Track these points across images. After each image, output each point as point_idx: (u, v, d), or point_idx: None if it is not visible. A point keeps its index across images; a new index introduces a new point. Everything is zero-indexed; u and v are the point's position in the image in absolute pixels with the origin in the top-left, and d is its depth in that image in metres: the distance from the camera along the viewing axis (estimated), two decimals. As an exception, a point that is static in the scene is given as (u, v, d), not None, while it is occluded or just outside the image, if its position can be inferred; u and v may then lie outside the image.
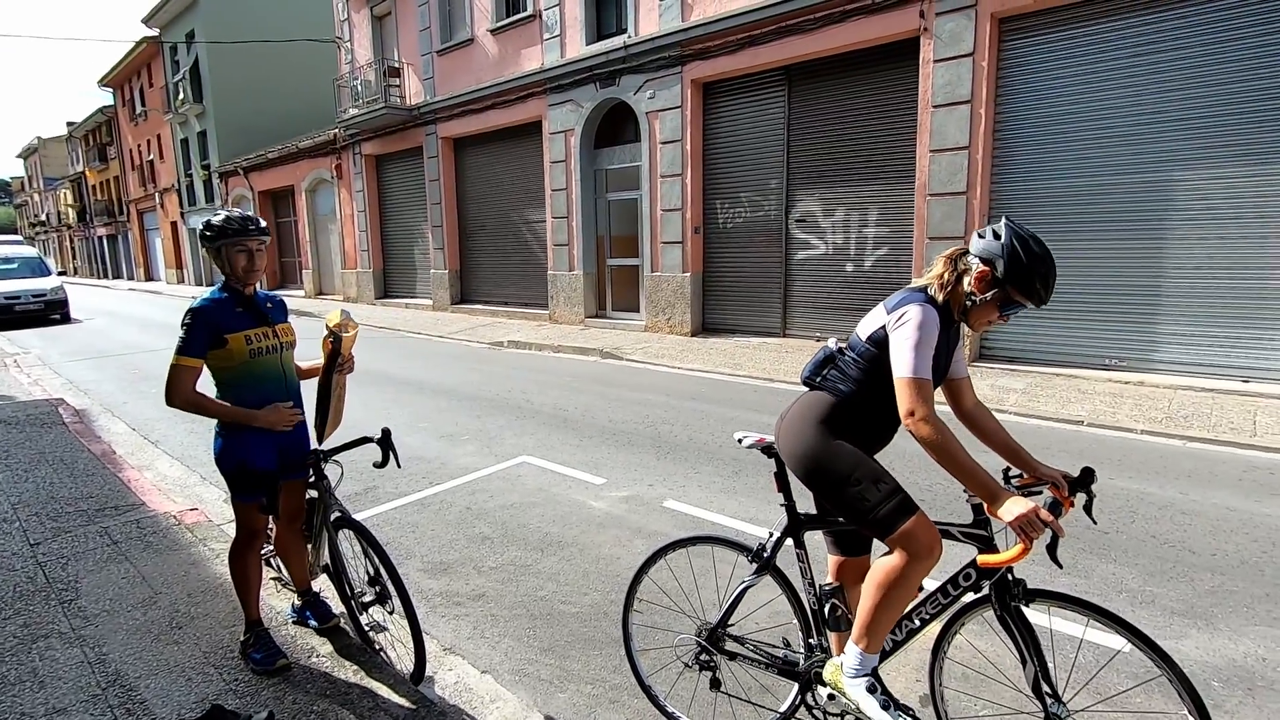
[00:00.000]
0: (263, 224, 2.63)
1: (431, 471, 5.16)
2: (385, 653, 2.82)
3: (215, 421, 2.60)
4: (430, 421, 6.58)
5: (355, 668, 2.64)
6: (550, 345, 10.93)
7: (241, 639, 2.70)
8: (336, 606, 3.00)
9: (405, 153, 16.70)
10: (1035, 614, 1.91)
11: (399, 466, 2.76)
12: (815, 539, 2.35)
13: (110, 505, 4.31)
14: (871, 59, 8.94)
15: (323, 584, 3.10)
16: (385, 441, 2.70)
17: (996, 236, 1.85)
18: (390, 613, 2.75)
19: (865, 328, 2.03)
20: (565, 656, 2.88)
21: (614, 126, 12.25)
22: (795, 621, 2.25)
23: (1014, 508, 1.70)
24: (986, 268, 1.86)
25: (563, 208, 12.87)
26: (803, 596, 2.21)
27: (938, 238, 8.21)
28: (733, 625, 2.32)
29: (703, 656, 2.33)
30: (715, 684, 2.32)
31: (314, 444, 2.81)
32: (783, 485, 2.18)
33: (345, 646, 2.79)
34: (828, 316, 9.86)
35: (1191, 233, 6.95)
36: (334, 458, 2.73)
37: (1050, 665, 1.89)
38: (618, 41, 11.35)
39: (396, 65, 16.02)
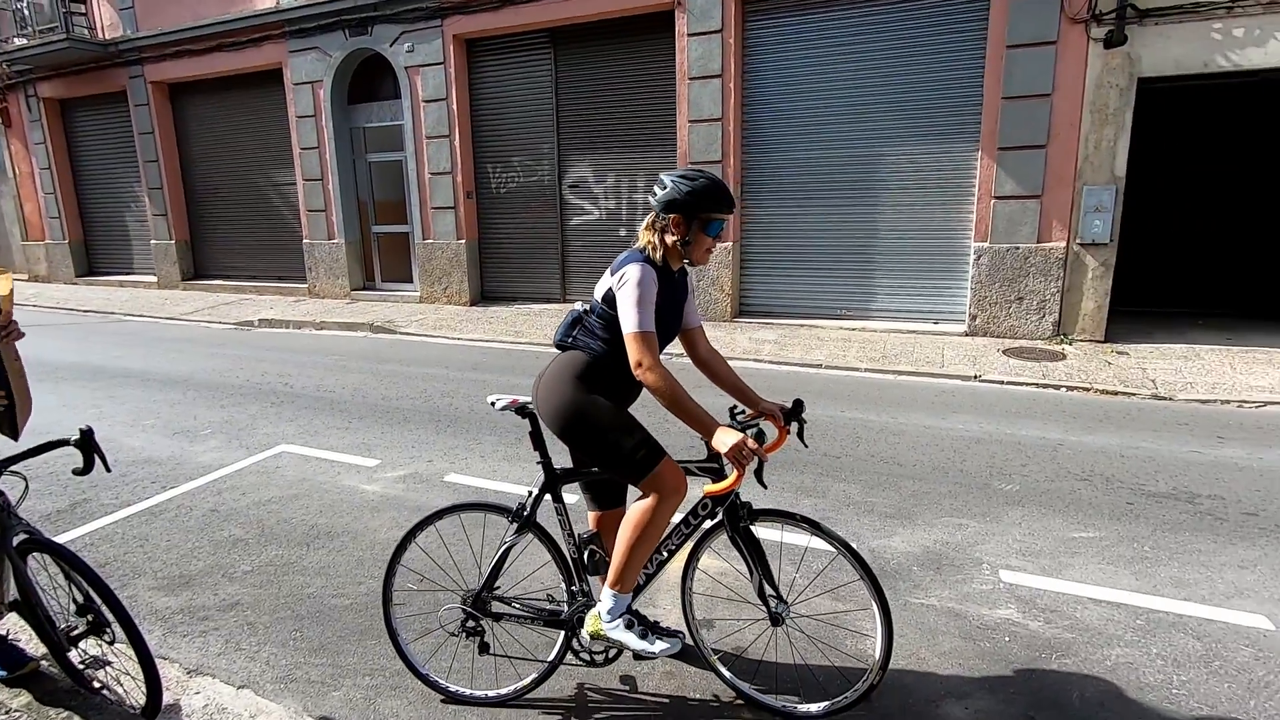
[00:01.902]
0: None
1: (164, 474, 4.43)
2: (109, 690, 2.39)
3: None
4: (160, 417, 5.63)
5: (66, 714, 2.20)
6: (311, 322, 9.91)
7: (-114, 713, 2.11)
8: (36, 648, 2.47)
9: (103, 98, 13.78)
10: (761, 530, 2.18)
11: (108, 470, 2.31)
12: (576, 500, 2.43)
13: None
14: (633, 28, 9.18)
15: (12, 624, 2.54)
16: (86, 443, 2.24)
17: (664, 187, 2.10)
18: (110, 643, 2.33)
19: (599, 290, 2.17)
20: (339, 653, 2.68)
21: (370, 81, 11.23)
22: (559, 573, 2.33)
23: (727, 439, 1.93)
24: (676, 213, 2.08)
25: (315, 169, 11.59)
26: (564, 547, 2.30)
27: (699, 204, 8.79)
28: (499, 588, 2.34)
29: (469, 623, 2.33)
30: (484, 648, 2.34)
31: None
32: (538, 444, 2.25)
33: (50, 693, 2.32)
34: (605, 281, 10.12)
35: (895, 200, 8.23)
36: (12, 468, 2.21)
37: (774, 571, 2.21)
38: (367, -15, 10.35)
39: (79, -12, 13.03)
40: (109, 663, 2.44)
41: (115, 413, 5.76)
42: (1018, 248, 7.54)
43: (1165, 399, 5.70)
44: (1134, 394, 5.81)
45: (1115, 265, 7.34)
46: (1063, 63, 7.10)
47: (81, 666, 2.39)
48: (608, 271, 2.15)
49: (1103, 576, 3.09)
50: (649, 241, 2.14)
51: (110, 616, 2.19)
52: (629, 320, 2.00)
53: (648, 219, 2.16)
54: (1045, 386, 6.10)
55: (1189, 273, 9.91)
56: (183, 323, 10.55)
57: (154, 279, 14.02)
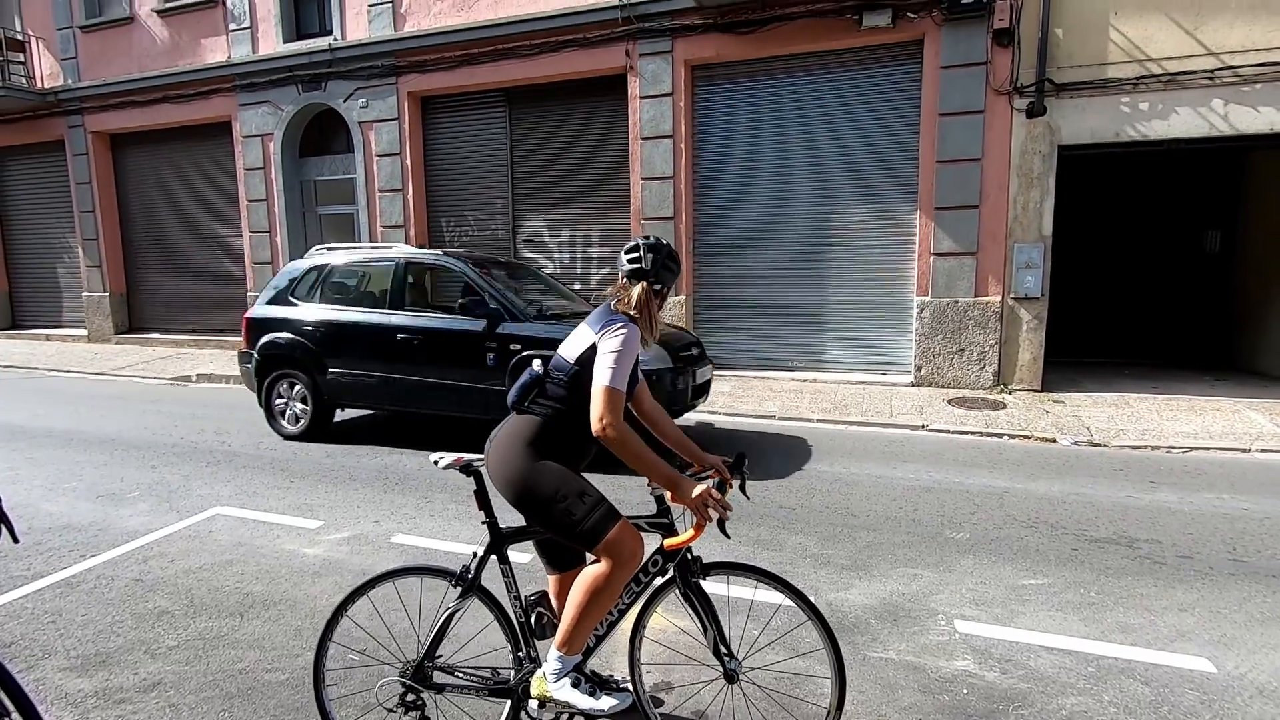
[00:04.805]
0: None
1: (84, 542, 4.13)
2: (5, 788, 2.15)
3: None
4: (83, 480, 5.29)
5: (-48, 821, 1.97)
6: (253, 376, 9.54)
7: None
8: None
9: (38, 146, 13.38)
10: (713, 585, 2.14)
11: (16, 541, 2.13)
12: (523, 560, 2.35)
13: None
14: (588, 89, 9.46)
15: (-105, 717, 2.27)
16: (-9, 511, 2.07)
17: (638, 252, 2.16)
18: (10, 734, 2.11)
19: (572, 349, 2.14)
20: (271, 734, 2.49)
21: (323, 134, 11.22)
22: (506, 639, 2.24)
23: (691, 491, 1.94)
24: (659, 282, 2.17)
25: (263, 221, 11.41)
26: (509, 611, 2.22)
27: (652, 258, 8.94)
28: (441, 656, 2.24)
29: (408, 697, 2.20)
30: None
31: None
32: (483, 503, 2.20)
33: (-65, 795, 2.07)
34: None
35: (842, 256, 8.53)
36: (-94, 542, 2.02)
37: (726, 628, 2.17)
38: (322, 43, 10.45)
39: (19, 37, 12.79)
40: (7, 757, 2.20)
41: (33, 476, 5.38)
42: (957, 301, 7.87)
43: (1100, 445, 5.93)
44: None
45: (1047, 318, 7.72)
46: (990, 130, 7.59)
47: (-25, 763, 2.15)
48: (584, 328, 2.13)
49: (1053, 624, 3.12)
50: (638, 308, 2.14)
51: (10, 704, 1.99)
52: (604, 374, 1.98)
53: (639, 288, 2.15)
54: (988, 435, 6.29)
55: (1114, 324, 10.49)
56: (113, 378, 10.05)
57: (84, 332, 13.40)
